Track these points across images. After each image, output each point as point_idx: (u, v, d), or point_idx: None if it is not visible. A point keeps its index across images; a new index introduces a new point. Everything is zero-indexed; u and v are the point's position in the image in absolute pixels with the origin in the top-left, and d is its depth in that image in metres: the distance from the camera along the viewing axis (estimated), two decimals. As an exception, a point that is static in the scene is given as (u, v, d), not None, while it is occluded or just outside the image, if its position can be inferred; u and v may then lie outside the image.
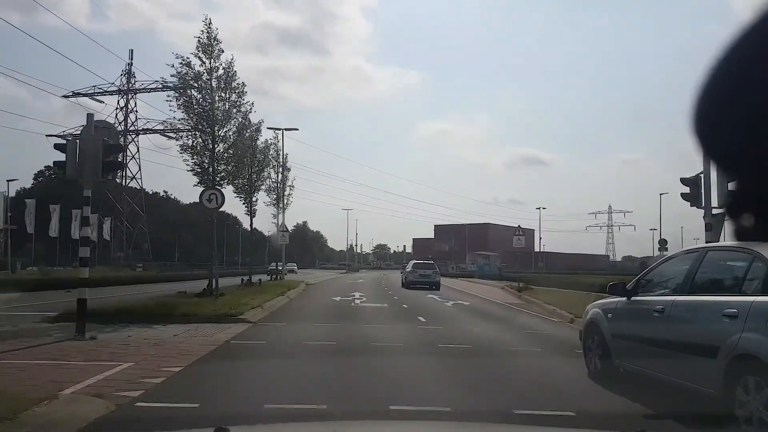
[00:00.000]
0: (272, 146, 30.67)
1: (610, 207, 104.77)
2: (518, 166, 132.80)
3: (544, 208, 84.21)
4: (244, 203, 24.24)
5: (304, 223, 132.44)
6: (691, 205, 12.58)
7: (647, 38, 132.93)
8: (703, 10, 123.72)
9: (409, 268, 32.19)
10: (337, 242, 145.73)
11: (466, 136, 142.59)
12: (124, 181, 67.40)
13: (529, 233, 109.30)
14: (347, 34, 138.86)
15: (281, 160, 32.96)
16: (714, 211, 11.96)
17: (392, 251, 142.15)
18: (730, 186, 0.85)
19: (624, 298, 6.45)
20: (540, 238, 77.73)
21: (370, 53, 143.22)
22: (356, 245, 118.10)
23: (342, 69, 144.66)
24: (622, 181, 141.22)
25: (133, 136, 66.13)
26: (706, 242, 10.44)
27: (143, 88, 61.95)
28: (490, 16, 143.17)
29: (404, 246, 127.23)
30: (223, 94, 17.20)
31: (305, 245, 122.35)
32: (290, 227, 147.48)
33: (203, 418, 5.04)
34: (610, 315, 6.64)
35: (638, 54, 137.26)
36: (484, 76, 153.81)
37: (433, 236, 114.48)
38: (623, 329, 6.35)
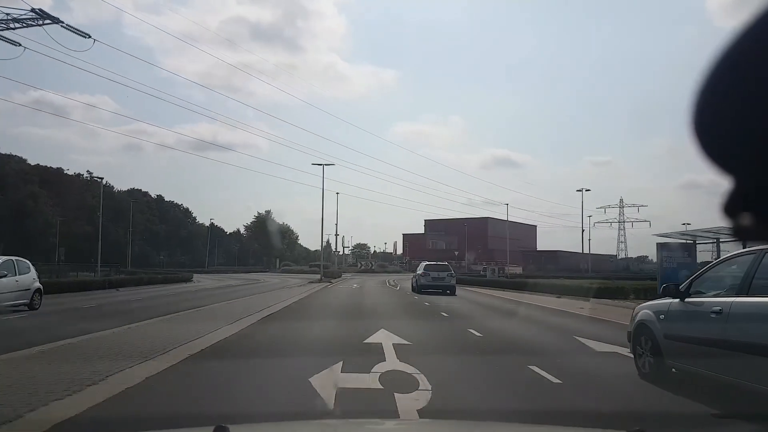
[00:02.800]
0: None
1: (621, 201, 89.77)
2: (493, 167, 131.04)
3: (587, 190, 67.24)
4: None
5: (267, 212, 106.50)
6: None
7: (628, 43, 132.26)
8: (681, 12, 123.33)
9: (420, 270, 29.90)
10: (311, 242, 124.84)
11: (441, 136, 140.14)
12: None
13: (530, 230, 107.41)
14: (321, 31, 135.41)
15: None
16: None
17: (372, 251, 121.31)
18: (727, 185, 0.84)
19: (676, 300, 6.57)
20: (582, 231, 63.25)
21: (345, 50, 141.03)
22: (337, 236, 78.66)
23: (316, 66, 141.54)
24: (594, 183, 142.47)
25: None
26: None
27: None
28: (468, 14, 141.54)
29: (394, 243, 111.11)
30: None
31: (268, 240, 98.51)
32: (251, 217, 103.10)
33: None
34: (662, 316, 6.75)
35: (617, 59, 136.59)
36: (461, 76, 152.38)
37: (423, 233, 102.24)
38: (677, 330, 6.47)
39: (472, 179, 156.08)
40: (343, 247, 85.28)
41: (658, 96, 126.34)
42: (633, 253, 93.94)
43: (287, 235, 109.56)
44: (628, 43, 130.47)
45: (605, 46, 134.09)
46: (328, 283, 40.80)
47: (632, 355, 7.39)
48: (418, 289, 28.45)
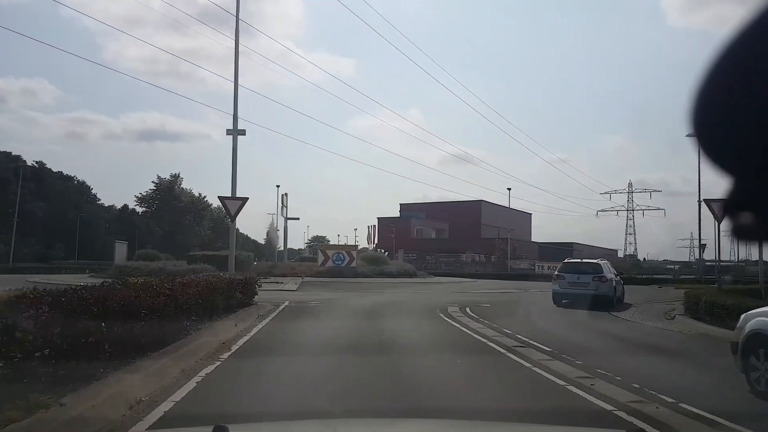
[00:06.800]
0: None
1: (630, 185, 71.05)
2: (451, 162, 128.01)
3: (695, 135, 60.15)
4: None
5: (175, 176, 70.40)
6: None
7: (590, 40, 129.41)
8: (636, 10, 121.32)
9: (556, 272, 20.28)
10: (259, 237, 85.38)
11: (399, 129, 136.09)
12: None
13: (525, 218, 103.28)
14: (275, 15, 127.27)
15: None
16: None
17: (331, 243, 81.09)
18: (727, 184, 0.82)
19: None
20: (700, 203, 52.96)
21: (300, 37, 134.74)
22: (281, 204, 43.93)
23: (269, 53, 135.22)
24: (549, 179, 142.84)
25: None
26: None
27: None
28: (428, 5, 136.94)
29: (369, 228, 72.28)
30: None
31: (177, 220, 67.81)
32: (150, 184, 78.86)
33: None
34: (788, 326, 5.94)
35: (580, 55, 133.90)
36: (421, 67, 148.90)
37: (407, 218, 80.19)
38: None
39: (431, 173, 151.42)
40: (286, 218, 45.19)
41: (614, 94, 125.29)
42: (641, 249, 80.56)
43: (195, 204, 71.78)
44: (590, 40, 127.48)
45: (568, 43, 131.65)
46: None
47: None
48: (554, 300, 19.08)
